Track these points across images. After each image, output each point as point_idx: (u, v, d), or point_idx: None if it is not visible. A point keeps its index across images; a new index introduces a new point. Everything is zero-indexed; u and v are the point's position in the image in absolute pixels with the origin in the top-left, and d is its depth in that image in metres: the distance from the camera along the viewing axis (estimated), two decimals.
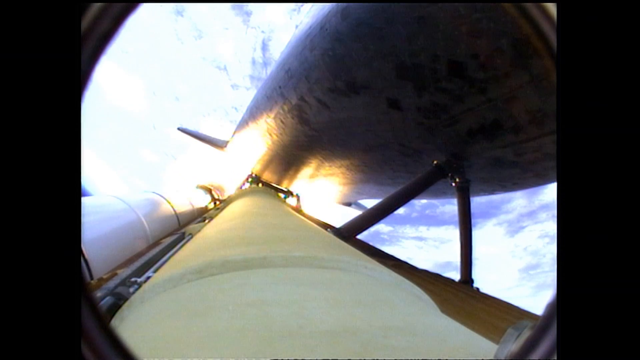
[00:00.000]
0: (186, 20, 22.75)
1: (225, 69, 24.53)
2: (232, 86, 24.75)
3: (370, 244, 5.63)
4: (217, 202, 8.62)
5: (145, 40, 21.68)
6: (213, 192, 9.20)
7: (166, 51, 23.35)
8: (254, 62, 24.12)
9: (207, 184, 10.60)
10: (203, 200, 8.23)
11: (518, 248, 22.87)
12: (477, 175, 5.22)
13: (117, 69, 21.49)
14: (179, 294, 1.25)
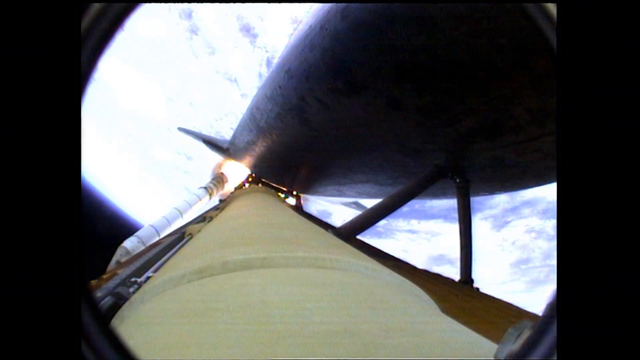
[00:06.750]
0: (200, 39, 25.74)
1: (235, 80, 27.92)
2: (242, 95, 28.59)
3: (370, 243, 5.63)
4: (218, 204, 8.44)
5: (164, 55, 24.50)
6: (212, 192, 8.91)
7: (183, 64, 26.06)
8: (260, 75, 27.68)
9: (214, 175, 10.37)
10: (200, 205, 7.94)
11: (506, 242, 23.37)
12: (477, 175, 5.21)
13: (135, 77, 23.75)
14: (179, 294, 1.25)
